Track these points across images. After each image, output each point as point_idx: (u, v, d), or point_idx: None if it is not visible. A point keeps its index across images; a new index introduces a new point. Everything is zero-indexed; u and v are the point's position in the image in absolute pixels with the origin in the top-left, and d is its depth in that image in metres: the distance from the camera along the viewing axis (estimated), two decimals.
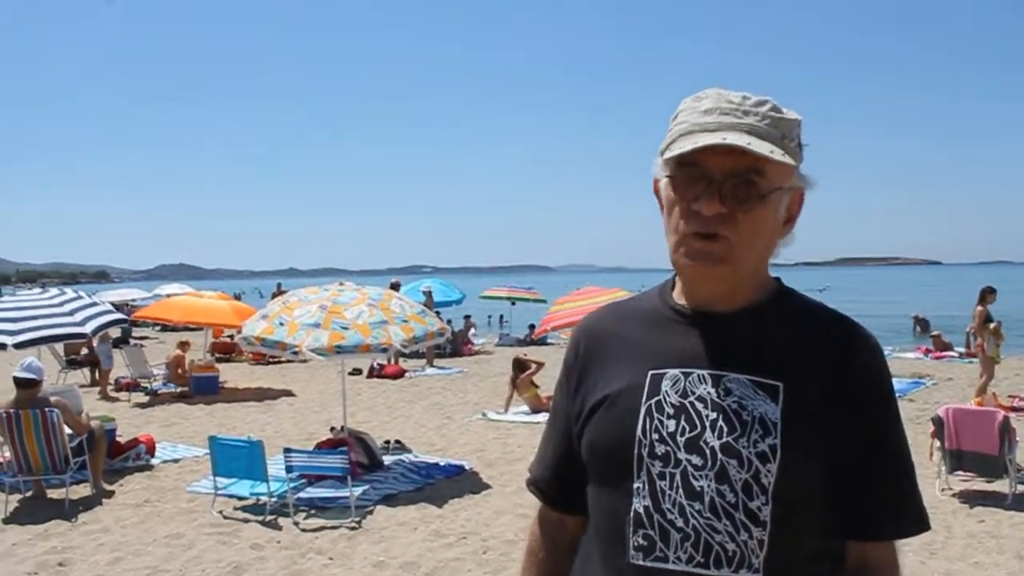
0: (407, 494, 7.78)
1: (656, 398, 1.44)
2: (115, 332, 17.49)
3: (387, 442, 9.73)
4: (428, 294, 21.56)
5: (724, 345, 1.45)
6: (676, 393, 1.43)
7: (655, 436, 1.41)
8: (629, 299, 1.68)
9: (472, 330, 24.03)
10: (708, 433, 1.38)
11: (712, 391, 1.41)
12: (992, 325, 12.67)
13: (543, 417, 11.84)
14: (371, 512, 7.18)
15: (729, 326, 1.47)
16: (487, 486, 8.08)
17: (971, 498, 7.32)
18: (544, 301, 26.78)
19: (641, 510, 1.40)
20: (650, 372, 1.47)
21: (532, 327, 23.65)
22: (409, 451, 9.59)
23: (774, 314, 1.48)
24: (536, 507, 1.75)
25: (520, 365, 12.75)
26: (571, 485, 1.60)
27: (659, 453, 1.40)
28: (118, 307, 17.89)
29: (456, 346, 21.10)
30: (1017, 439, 7.57)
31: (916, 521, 1.47)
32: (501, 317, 30.25)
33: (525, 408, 12.49)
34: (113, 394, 14.62)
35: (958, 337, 20.36)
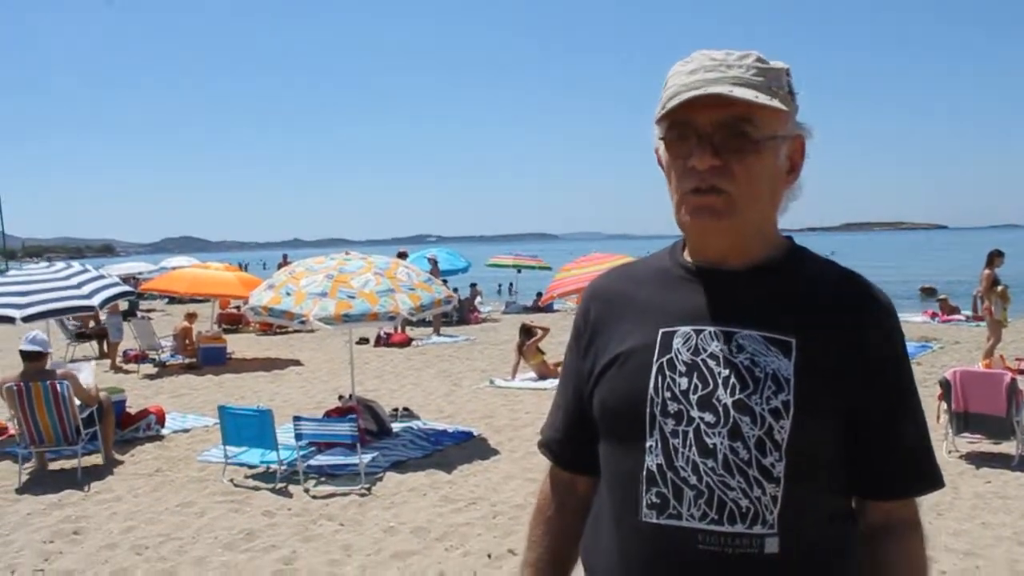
0: (416, 460, 7.82)
1: (668, 356, 1.44)
2: (123, 305, 17.55)
3: (395, 409, 9.78)
4: (434, 262, 21.56)
5: (735, 302, 1.45)
6: (688, 351, 1.43)
7: (667, 394, 1.41)
8: (638, 260, 1.69)
9: (478, 298, 24.05)
10: (721, 390, 1.38)
11: (724, 348, 1.41)
12: (999, 288, 12.64)
13: (550, 383, 11.96)
14: (381, 479, 7.23)
15: (740, 283, 1.46)
16: (495, 452, 8.13)
17: (978, 459, 7.34)
18: (550, 268, 26.79)
19: (654, 468, 1.40)
20: (661, 330, 1.46)
21: (539, 294, 23.68)
22: (417, 418, 9.63)
23: (786, 271, 1.48)
24: (544, 471, 1.76)
25: (527, 331, 12.77)
26: (582, 446, 1.60)
27: (671, 411, 1.40)
28: (125, 280, 17.96)
29: (463, 314, 21.13)
30: None
31: (934, 479, 1.48)
32: (511, 285, 30.27)
33: (532, 375, 12.52)
34: (122, 366, 14.70)
35: (965, 301, 20.33)
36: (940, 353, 14.03)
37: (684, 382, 1.41)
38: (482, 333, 19.27)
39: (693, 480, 1.37)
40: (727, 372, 1.39)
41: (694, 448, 1.37)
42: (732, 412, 1.37)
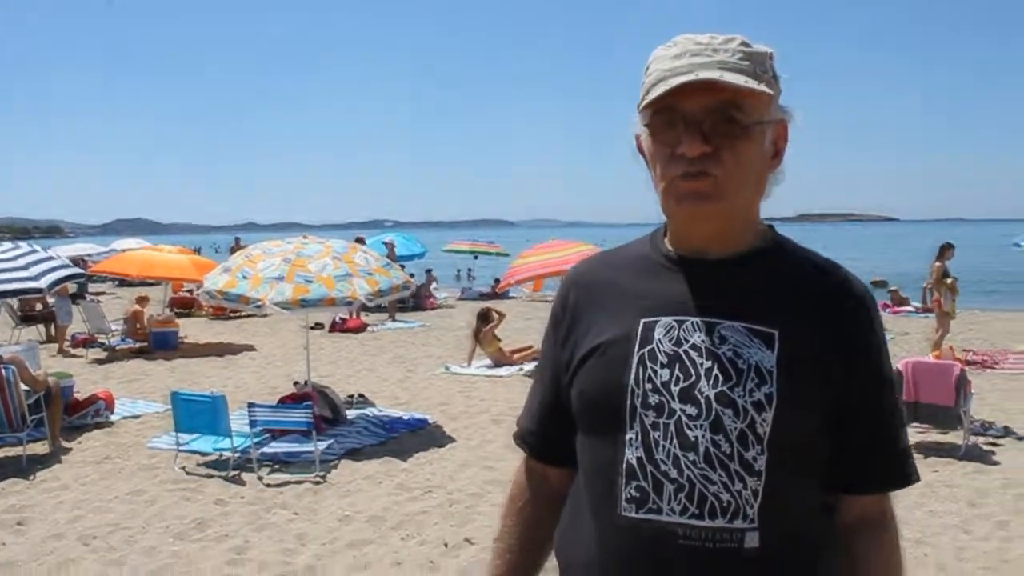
0: (371, 448, 7.77)
1: (649, 347, 1.41)
2: (71, 287, 17.19)
3: (350, 396, 9.71)
4: (390, 247, 21.41)
5: (718, 292, 1.43)
6: (669, 341, 1.40)
7: (648, 386, 1.38)
8: (618, 247, 1.65)
9: (434, 284, 23.94)
10: (703, 382, 1.36)
11: (706, 339, 1.39)
12: (949, 280, 12.88)
13: (505, 371, 11.94)
14: (335, 466, 7.17)
15: (722, 272, 1.44)
16: (451, 439, 8.10)
17: (926, 449, 7.46)
18: (507, 255, 26.78)
19: (634, 461, 1.37)
20: (642, 320, 1.43)
21: (496, 281, 23.65)
22: (372, 405, 9.57)
23: (768, 261, 1.46)
24: (518, 461, 1.74)
25: (483, 317, 12.73)
26: (558, 437, 1.58)
27: (652, 403, 1.38)
28: (74, 262, 17.58)
29: (418, 300, 21.00)
30: (972, 392, 7.74)
31: (910, 474, 1.49)
32: (469, 271, 30.20)
33: (487, 362, 12.50)
34: (69, 350, 14.40)
35: (915, 292, 20.69)
36: (890, 344, 14.00)
37: (665, 373, 1.38)
38: (437, 319, 19.19)
39: (674, 474, 1.35)
40: (710, 363, 1.37)
41: (675, 441, 1.35)
42: (714, 405, 1.35)
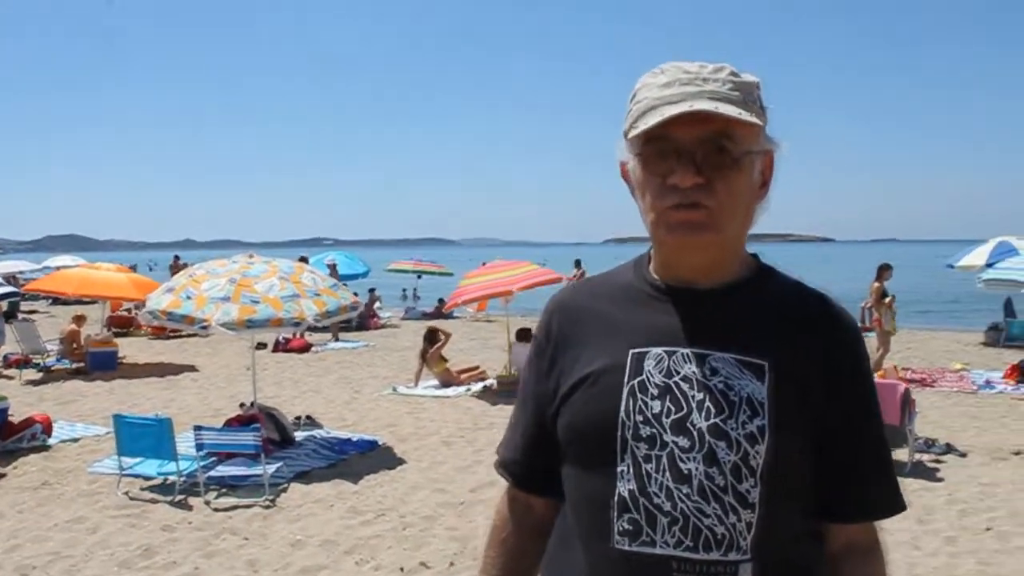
0: (321, 471, 7.65)
1: (639, 378, 1.39)
2: (3, 306, 16.70)
3: (297, 418, 9.56)
4: (332, 267, 21.22)
5: (707, 323, 1.42)
6: (660, 373, 1.39)
7: (639, 417, 1.37)
8: (602, 275, 1.63)
9: (377, 303, 23.77)
10: (695, 414, 1.35)
11: (697, 371, 1.37)
12: (887, 299, 13.16)
13: (453, 391, 11.88)
14: (285, 490, 7.03)
15: (711, 303, 1.43)
16: (401, 461, 8.01)
17: None
18: (451, 274, 26.71)
19: (626, 494, 1.35)
20: (632, 351, 1.42)
21: (441, 301, 23.56)
22: (320, 427, 9.42)
23: (755, 291, 1.46)
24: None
25: (430, 338, 12.66)
26: (542, 467, 1.55)
27: (644, 435, 1.36)
28: (6, 280, 17.08)
29: (362, 319, 20.82)
30: (916, 410, 7.89)
31: (897, 502, 1.48)
32: (415, 290, 30.07)
33: (435, 382, 12.42)
34: (2, 371, 13.94)
35: (852, 312, 21.10)
36: None
37: (657, 405, 1.37)
38: (382, 339, 19.06)
39: (667, 507, 1.33)
40: (701, 395, 1.36)
41: (668, 474, 1.34)
42: (707, 437, 1.33)
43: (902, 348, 15.66)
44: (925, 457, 7.89)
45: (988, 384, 12.17)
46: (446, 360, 12.69)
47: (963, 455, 8.07)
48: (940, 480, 7.26)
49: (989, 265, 15.92)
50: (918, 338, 18.20)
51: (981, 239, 18.77)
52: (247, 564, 5.40)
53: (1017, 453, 8.17)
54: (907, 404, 7.53)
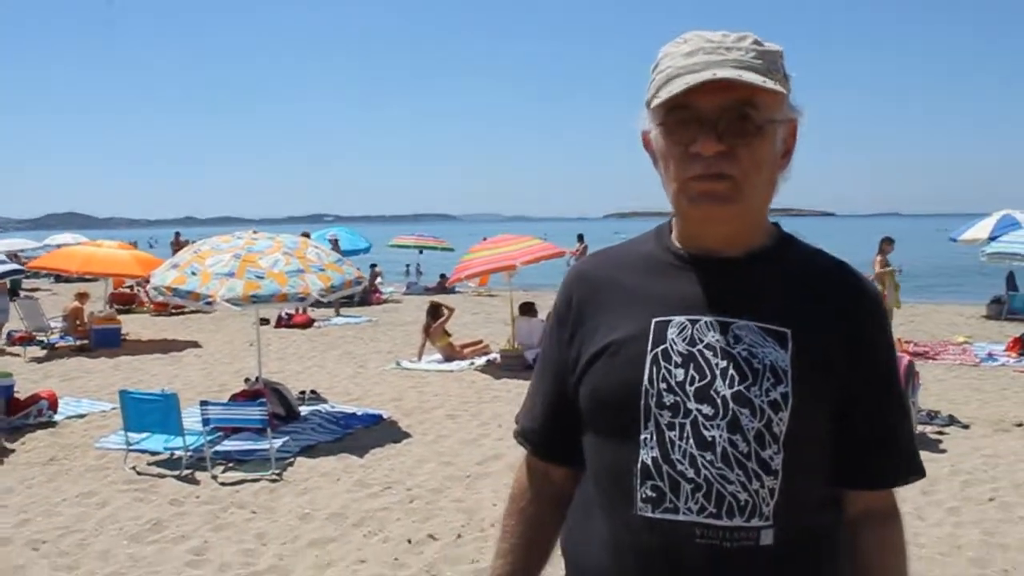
0: (327, 444, 7.68)
1: (662, 346, 1.40)
2: (5, 284, 16.70)
3: (302, 392, 9.60)
4: (335, 242, 21.23)
5: (730, 291, 1.42)
6: (683, 341, 1.39)
7: (663, 385, 1.37)
8: (622, 244, 1.63)
9: (379, 279, 23.79)
10: (719, 382, 1.35)
11: (721, 339, 1.38)
12: (889, 268, 13.18)
13: (456, 366, 11.91)
14: (291, 464, 7.07)
15: (733, 272, 1.43)
16: (407, 435, 8.04)
17: None
18: (452, 250, 26.68)
19: (649, 461, 1.36)
20: (654, 319, 1.42)
21: (443, 276, 23.57)
22: (325, 401, 9.47)
23: (778, 259, 1.46)
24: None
25: (434, 312, 12.68)
26: (561, 435, 1.56)
27: (667, 403, 1.36)
28: (8, 257, 17.07)
29: (364, 295, 20.85)
30: (919, 383, 7.91)
31: (918, 468, 1.50)
32: (418, 266, 30.10)
33: (438, 356, 12.46)
34: (6, 348, 13.97)
35: None
36: None
37: (680, 373, 1.37)
38: (384, 314, 19.09)
39: (691, 474, 1.34)
40: (725, 363, 1.36)
41: (692, 441, 1.34)
42: (731, 404, 1.34)
43: (905, 321, 15.68)
44: (928, 429, 7.92)
45: (990, 357, 12.20)
46: (449, 335, 12.72)
47: (966, 427, 8.11)
48: (943, 452, 7.30)
49: (992, 239, 15.92)
50: (921, 311, 18.22)
51: (984, 212, 18.75)
52: (256, 537, 5.44)
53: (1019, 425, 8.21)
54: (910, 377, 7.54)
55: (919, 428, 7.72)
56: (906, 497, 6.00)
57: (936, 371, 11.11)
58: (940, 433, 7.88)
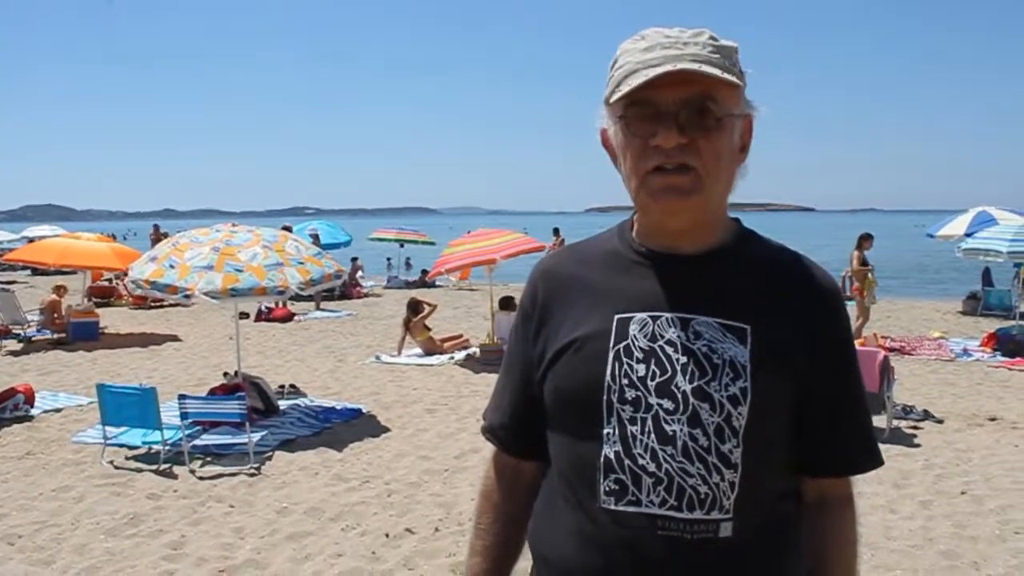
0: (305, 439, 7.68)
1: (624, 342, 1.42)
2: None
3: (281, 387, 9.57)
4: (315, 236, 21.15)
5: (691, 288, 1.44)
6: (645, 337, 1.42)
7: (624, 381, 1.40)
8: (585, 241, 1.66)
9: (360, 272, 23.74)
10: (679, 377, 1.38)
11: (681, 335, 1.41)
12: (867, 268, 13.27)
13: (436, 360, 11.91)
14: (270, 458, 7.06)
15: (694, 268, 1.46)
16: (386, 429, 8.05)
17: None
18: (433, 243, 26.64)
19: (612, 455, 1.39)
20: (616, 316, 1.45)
21: (424, 270, 23.55)
22: (304, 395, 9.46)
23: (738, 256, 1.49)
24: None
25: (414, 307, 12.68)
26: (529, 432, 1.58)
27: (629, 398, 1.39)
28: None
29: (344, 288, 20.80)
30: (895, 377, 8.00)
31: (876, 456, 1.53)
32: (407, 259, 30.05)
33: (418, 351, 12.46)
34: None
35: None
36: None
37: (642, 369, 1.40)
38: (364, 308, 19.05)
39: (652, 467, 1.36)
40: (685, 359, 1.39)
41: (653, 435, 1.37)
42: (691, 399, 1.37)
43: (882, 316, 15.82)
44: (903, 424, 8.01)
45: (965, 352, 12.33)
46: (429, 329, 12.72)
47: (940, 421, 8.21)
48: (917, 446, 7.38)
49: (968, 235, 16.06)
50: (898, 306, 18.38)
51: (961, 209, 18.91)
52: (234, 531, 5.44)
53: (992, 419, 8.32)
54: (886, 371, 7.63)
55: (894, 423, 7.80)
56: (879, 491, 6.10)
57: (912, 366, 11.21)
58: (915, 427, 7.97)
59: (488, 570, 1.66)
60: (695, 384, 1.37)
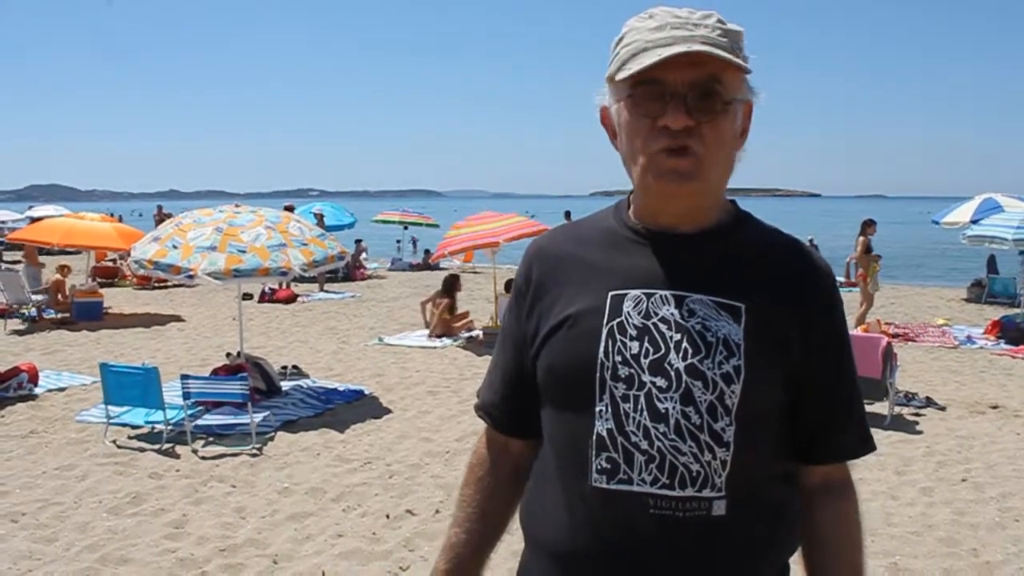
0: (307, 420, 7.70)
1: (618, 319, 1.41)
2: None
3: (284, 367, 9.60)
4: (320, 217, 21.15)
5: (686, 266, 1.44)
6: (638, 314, 1.41)
7: (618, 358, 1.39)
8: (582, 220, 1.65)
9: (364, 254, 23.75)
10: (672, 355, 1.37)
11: (675, 312, 1.40)
12: (872, 255, 13.24)
13: (440, 343, 11.91)
14: (272, 438, 7.08)
15: (690, 247, 1.45)
16: (388, 411, 8.07)
17: None
18: (437, 226, 26.61)
19: (604, 433, 1.38)
20: (610, 293, 1.44)
21: (427, 252, 23.54)
22: (307, 376, 9.47)
23: (734, 236, 1.48)
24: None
25: (449, 287, 12.73)
26: (521, 409, 1.58)
27: (622, 375, 1.38)
28: None
29: (348, 270, 20.82)
30: (897, 364, 7.99)
31: (869, 442, 1.53)
32: (414, 241, 30.01)
33: (421, 332, 12.48)
34: None
35: (838, 267, 21.20)
36: None
37: (635, 346, 1.39)
38: (368, 290, 19.07)
39: (644, 445, 1.36)
40: (679, 336, 1.38)
41: (646, 413, 1.36)
42: (684, 377, 1.36)
43: (885, 303, 15.80)
44: (905, 410, 8.01)
45: (969, 339, 12.32)
46: (453, 311, 12.73)
47: (942, 409, 8.21)
48: (919, 433, 7.38)
49: (974, 222, 15.99)
50: (902, 293, 18.36)
51: (967, 196, 18.83)
52: (235, 511, 5.46)
53: (995, 407, 8.31)
54: (889, 358, 7.62)
55: (896, 409, 7.80)
56: (880, 477, 6.10)
57: (915, 353, 11.21)
58: (917, 414, 7.97)
59: (466, 542, 1.65)
60: (688, 362, 1.36)
